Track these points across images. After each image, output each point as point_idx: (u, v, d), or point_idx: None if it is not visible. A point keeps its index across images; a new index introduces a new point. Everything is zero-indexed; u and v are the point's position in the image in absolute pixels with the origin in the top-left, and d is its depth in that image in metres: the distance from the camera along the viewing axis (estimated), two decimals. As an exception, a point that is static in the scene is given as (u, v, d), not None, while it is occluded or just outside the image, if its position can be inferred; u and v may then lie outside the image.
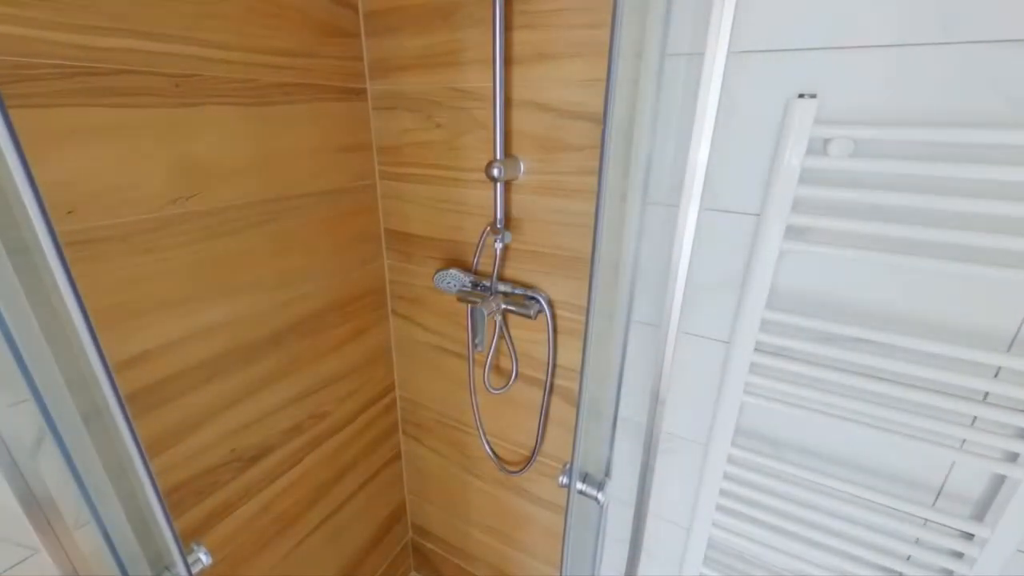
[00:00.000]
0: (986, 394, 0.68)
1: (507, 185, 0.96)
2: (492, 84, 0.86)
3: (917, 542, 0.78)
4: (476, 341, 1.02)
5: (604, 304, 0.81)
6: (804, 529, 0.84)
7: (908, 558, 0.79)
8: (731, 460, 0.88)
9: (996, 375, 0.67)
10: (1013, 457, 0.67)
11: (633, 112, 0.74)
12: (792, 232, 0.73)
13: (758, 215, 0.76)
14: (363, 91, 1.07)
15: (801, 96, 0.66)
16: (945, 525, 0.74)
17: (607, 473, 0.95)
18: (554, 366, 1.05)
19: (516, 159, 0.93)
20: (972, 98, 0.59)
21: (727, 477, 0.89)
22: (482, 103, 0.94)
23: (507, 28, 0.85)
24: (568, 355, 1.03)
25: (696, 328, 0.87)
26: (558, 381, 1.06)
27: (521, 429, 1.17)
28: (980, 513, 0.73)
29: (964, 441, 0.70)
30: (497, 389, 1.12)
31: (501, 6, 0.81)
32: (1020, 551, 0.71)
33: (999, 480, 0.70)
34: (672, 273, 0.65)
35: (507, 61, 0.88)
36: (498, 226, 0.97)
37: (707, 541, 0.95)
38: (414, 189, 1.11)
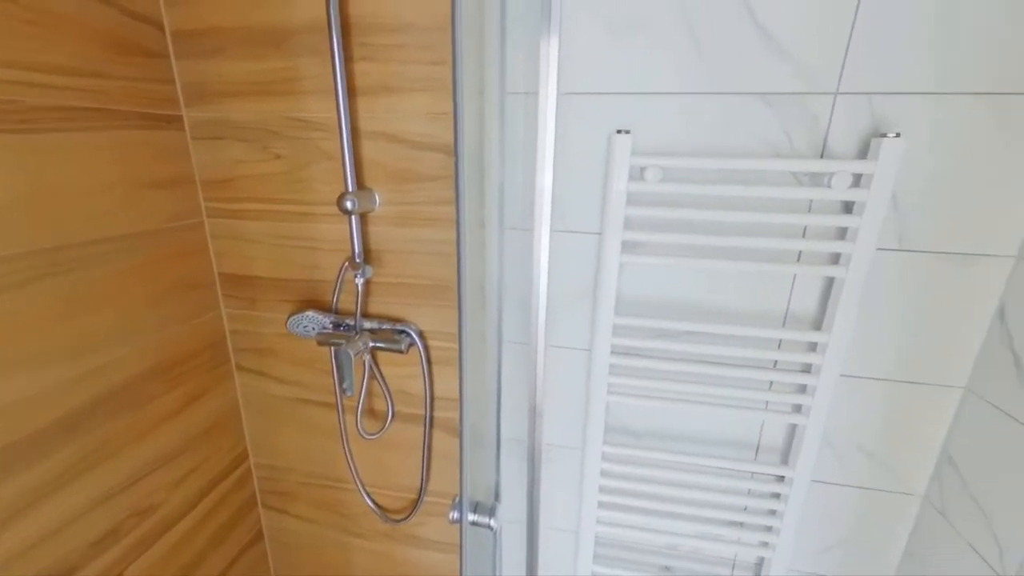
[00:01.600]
0: (775, 362, 0.86)
1: (363, 217, 0.92)
2: (337, 114, 0.83)
3: (749, 493, 0.95)
4: (344, 386, 0.94)
5: (476, 328, 0.82)
6: (670, 505, 0.95)
7: (745, 508, 0.95)
8: (605, 458, 0.96)
9: (779, 346, 0.85)
10: (799, 408, 0.86)
11: (482, 144, 0.78)
12: (627, 246, 0.84)
13: (599, 234, 0.86)
14: (177, 118, 0.93)
15: (619, 132, 0.77)
16: (766, 473, 0.91)
17: (497, 497, 0.95)
18: (432, 398, 1.02)
19: (371, 191, 0.91)
20: (735, 135, 0.77)
21: (604, 474, 0.97)
22: (327, 133, 0.90)
23: (347, 59, 0.83)
24: (445, 385, 1.01)
25: (561, 340, 0.94)
26: (438, 413, 1.03)
27: (404, 472, 1.10)
28: (785, 458, 0.92)
29: (767, 403, 0.88)
30: (373, 434, 1.04)
31: (339, 37, 0.79)
32: (814, 481, 0.91)
33: (792, 429, 0.89)
34: (534, 292, 0.69)
35: (351, 92, 0.85)
36: (357, 260, 0.92)
37: (594, 539, 1.01)
38: (254, 227, 0.99)
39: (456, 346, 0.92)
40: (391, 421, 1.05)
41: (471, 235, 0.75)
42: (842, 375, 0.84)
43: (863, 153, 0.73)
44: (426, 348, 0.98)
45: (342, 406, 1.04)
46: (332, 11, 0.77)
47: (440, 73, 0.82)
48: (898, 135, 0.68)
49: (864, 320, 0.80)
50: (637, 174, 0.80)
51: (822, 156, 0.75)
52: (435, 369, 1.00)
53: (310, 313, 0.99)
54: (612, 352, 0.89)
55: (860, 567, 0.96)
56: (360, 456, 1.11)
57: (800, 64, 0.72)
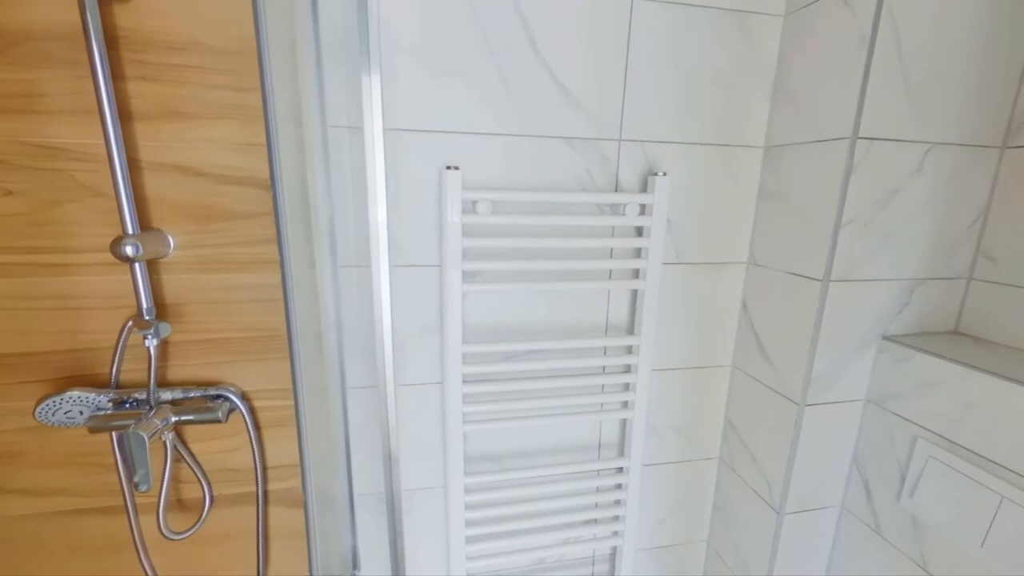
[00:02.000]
0: (604, 367, 0.99)
1: (152, 265, 0.76)
2: (105, 141, 0.67)
3: (598, 490, 1.04)
4: (137, 479, 0.74)
5: (314, 379, 0.74)
6: (534, 521, 0.98)
7: (596, 505, 1.04)
8: (468, 490, 0.94)
9: (605, 352, 0.98)
10: (626, 404, 1.00)
11: (305, 177, 0.73)
12: (467, 276, 0.87)
13: (439, 266, 0.87)
14: None
15: (448, 168, 0.80)
16: (609, 468, 1.02)
17: (355, 565, 0.85)
18: (264, 469, 0.87)
19: (160, 232, 0.75)
20: (550, 172, 0.87)
21: (469, 507, 0.95)
22: (89, 164, 0.72)
23: (117, 77, 0.69)
24: (280, 450, 0.87)
25: (411, 377, 0.91)
26: (274, 485, 0.89)
27: (233, 567, 0.91)
28: (622, 450, 1.04)
29: (602, 404, 0.99)
30: (182, 533, 0.84)
31: (101, 50, 0.65)
32: (645, 465, 1.06)
33: (623, 423, 1.02)
34: (378, 331, 0.66)
35: (124, 116, 0.70)
36: (147, 318, 0.74)
37: (466, 578, 0.98)
38: (-32, 287, 0.72)
39: (291, 403, 0.81)
40: (209, 509, 0.86)
41: (300, 276, 0.68)
42: (653, 369, 1.00)
43: (644, 187, 0.90)
44: (252, 411, 0.84)
45: (134, 506, 0.81)
46: (90, 17, 0.63)
47: (247, 100, 0.74)
48: (665, 174, 0.87)
49: (662, 322, 0.98)
50: (470, 207, 0.84)
51: (616, 190, 0.90)
52: (265, 434, 0.86)
53: (74, 393, 0.76)
54: (464, 381, 0.89)
55: (685, 531, 1.13)
56: (168, 564, 0.87)
57: (592, 115, 0.86)
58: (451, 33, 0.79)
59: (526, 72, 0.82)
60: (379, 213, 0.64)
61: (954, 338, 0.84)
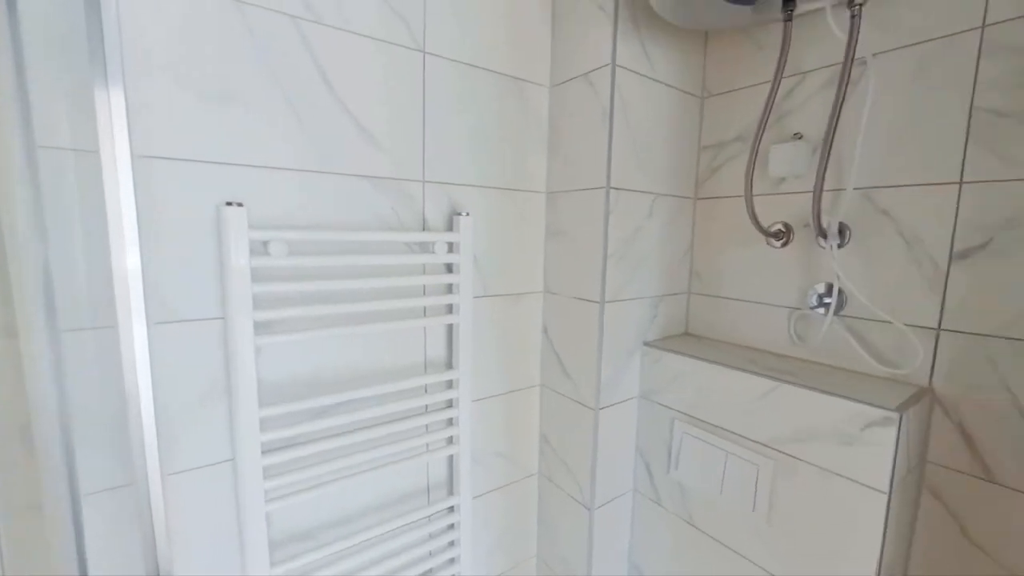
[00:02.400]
0: (426, 406, 0.97)
1: None
2: None
3: (430, 536, 1.00)
4: None
5: (17, 495, 0.52)
6: (361, 594, 0.87)
7: (430, 553, 1.00)
8: (276, 583, 0.79)
9: (426, 390, 0.97)
10: (451, 439, 1.00)
11: (-3, 214, 0.53)
12: (261, 327, 0.75)
13: (223, 318, 0.73)
14: None
15: (229, 204, 0.69)
16: (439, 511, 0.99)
17: None
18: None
19: None
20: (355, 210, 0.84)
21: (278, 604, 0.79)
22: None
23: None
24: (-49, 618, 0.58)
25: (188, 461, 0.73)
26: None
27: None
28: (451, 488, 1.03)
29: (427, 445, 0.97)
30: None
31: None
32: (475, 498, 1.06)
33: (450, 459, 1.02)
34: (133, 409, 0.51)
35: None
36: None
37: None
38: None
39: (-26, 539, 0.56)
40: None
41: (-10, 351, 0.48)
42: (474, 400, 1.03)
43: (450, 226, 0.95)
44: None
45: None
46: None
47: None
48: (468, 214, 0.93)
49: (478, 352, 1.03)
50: (260, 248, 0.74)
51: (424, 229, 0.92)
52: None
53: None
54: (264, 451, 0.76)
55: (516, 552, 1.18)
56: None
57: (395, 156, 0.87)
58: (225, 57, 0.70)
59: (321, 108, 0.79)
60: (129, 259, 0.51)
61: (686, 338, 1.11)
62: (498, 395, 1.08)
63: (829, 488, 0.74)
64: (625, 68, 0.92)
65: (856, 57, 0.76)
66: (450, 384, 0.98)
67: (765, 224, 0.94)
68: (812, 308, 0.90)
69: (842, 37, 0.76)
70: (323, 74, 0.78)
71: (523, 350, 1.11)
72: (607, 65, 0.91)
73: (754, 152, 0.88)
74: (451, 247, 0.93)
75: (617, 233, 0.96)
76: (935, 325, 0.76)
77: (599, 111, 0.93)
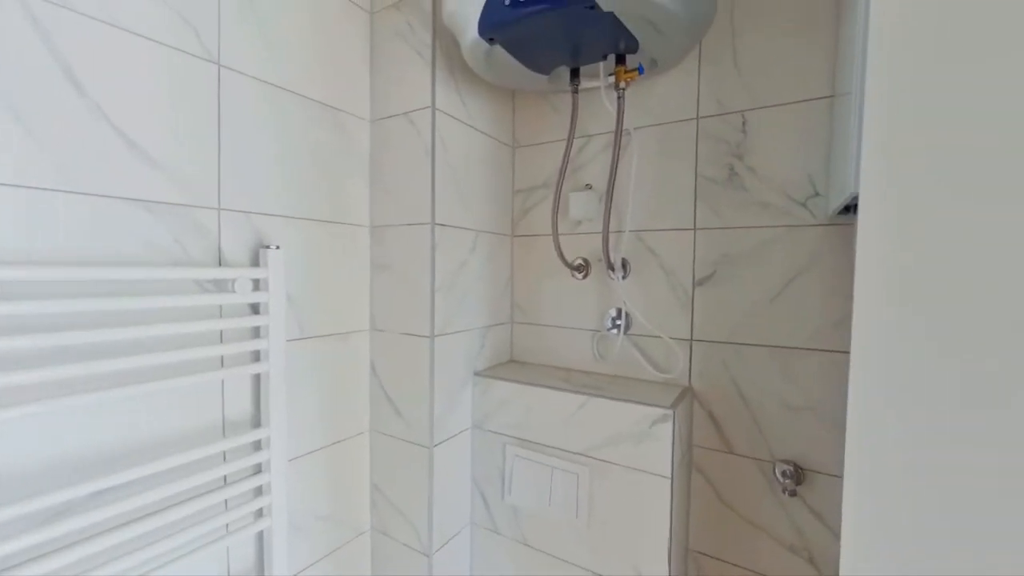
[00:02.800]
0: (225, 477, 0.80)
1: None
2: None
3: (233, 641, 0.81)
4: None
5: None
6: None
7: (233, 663, 0.80)
8: None
9: (225, 458, 0.80)
10: (261, 512, 0.84)
11: None
12: (-53, 406, 0.52)
13: None
14: None
15: None
16: (245, 605, 0.81)
17: None
18: None
19: None
20: (117, 241, 0.66)
21: None
22: None
23: None
24: None
25: None
26: None
27: None
28: (261, 571, 0.86)
29: (227, 525, 0.80)
30: None
31: None
32: (292, 576, 0.91)
33: (260, 536, 0.85)
34: None
35: None
36: None
37: None
38: None
39: None
40: None
41: None
42: (290, 460, 0.90)
43: (256, 261, 0.83)
44: None
45: None
46: None
47: None
48: (278, 247, 0.83)
49: (293, 403, 0.90)
50: (-53, 292, 0.52)
51: (220, 264, 0.79)
52: None
53: None
54: (-56, 592, 0.51)
55: (348, 625, 1.04)
56: None
57: (178, 178, 0.73)
58: None
59: (65, 112, 0.61)
60: None
61: (512, 365, 1.19)
62: (320, 449, 0.96)
63: (630, 483, 0.87)
64: (445, 112, 0.97)
65: (624, 128, 0.97)
66: (258, 445, 0.84)
67: (569, 259, 1.09)
68: (608, 329, 1.07)
69: (613, 112, 0.95)
70: (68, 71, 0.62)
71: (349, 394, 1.02)
72: (428, 108, 0.95)
73: (557, 198, 1.02)
74: (257, 284, 0.82)
75: (444, 267, 0.98)
76: (689, 337, 0.99)
77: (422, 150, 0.96)
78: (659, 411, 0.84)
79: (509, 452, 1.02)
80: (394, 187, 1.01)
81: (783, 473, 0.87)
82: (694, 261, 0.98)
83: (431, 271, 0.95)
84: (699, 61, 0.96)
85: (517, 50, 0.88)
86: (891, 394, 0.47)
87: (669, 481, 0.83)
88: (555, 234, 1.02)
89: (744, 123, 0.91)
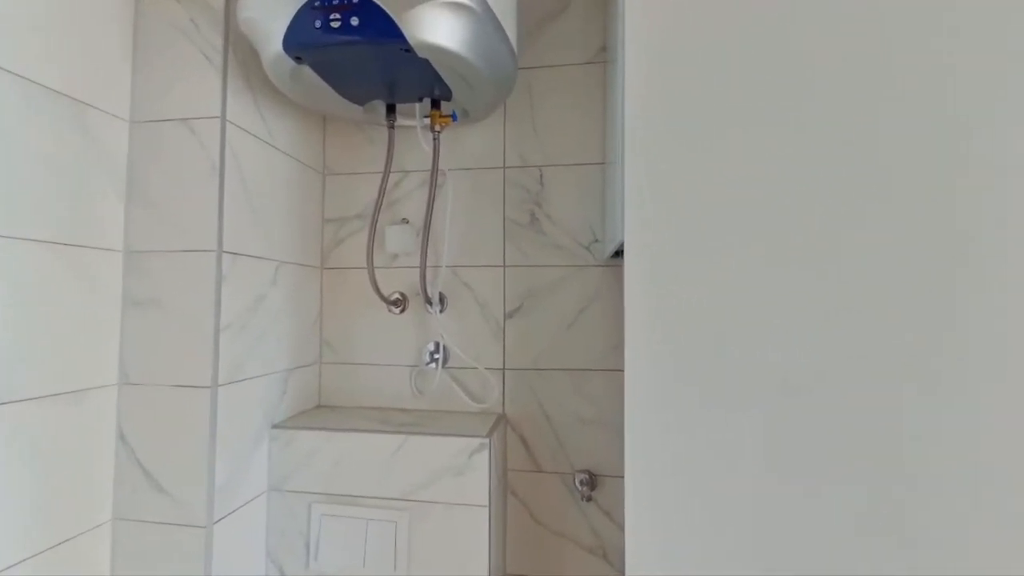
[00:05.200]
0: None
1: None
2: None
3: None
4: None
5: None
6: None
7: None
8: None
9: None
10: None
11: None
12: None
13: None
14: None
15: None
16: None
17: None
18: None
19: None
20: None
21: None
22: None
23: None
24: None
25: None
26: None
27: None
28: None
29: None
30: None
31: None
32: None
33: None
34: None
35: None
36: None
37: None
38: None
39: None
40: None
41: None
42: (-42, 589, 0.60)
43: (-92, 295, 0.56)
44: None
45: None
46: None
47: None
48: (-42, 275, 0.58)
49: (-27, 502, 0.62)
50: None
51: None
52: None
53: None
54: None
55: None
56: None
57: None
58: None
59: None
60: None
61: (320, 411, 1.07)
62: (29, 558, 0.68)
63: (451, 519, 0.86)
64: (239, 127, 0.86)
65: (440, 168, 1.01)
66: None
67: (386, 293, 1.06)
68: (427, 364, 1.06)
69: (429, 152, 0.99)
70: None
71: (79, 477, 0.76)
72: (216, 118, 0.82)
73: (372, 230, 0.98)
74: (-91, 330, 0.55)
75: (234, 303, 0.84)
76: (501, 366, 1.05)
77: (207, 165, 0.82)
78: (477, 441, 0.87)
79: (316, 512, 0.89)
80: (164, 205, 0.82)
81: (581, 481, 0.99)
82: (504, 295, 1.06)
83: (215, 307, 0.80)
84: (504, 118, 1.08)
85: (329, 75, 0.84)
86: (655, 404, 0.58)
87: (487, 509, 0.85)
88: (371, 267, 0.98)
89: (541, 176, 1.06)
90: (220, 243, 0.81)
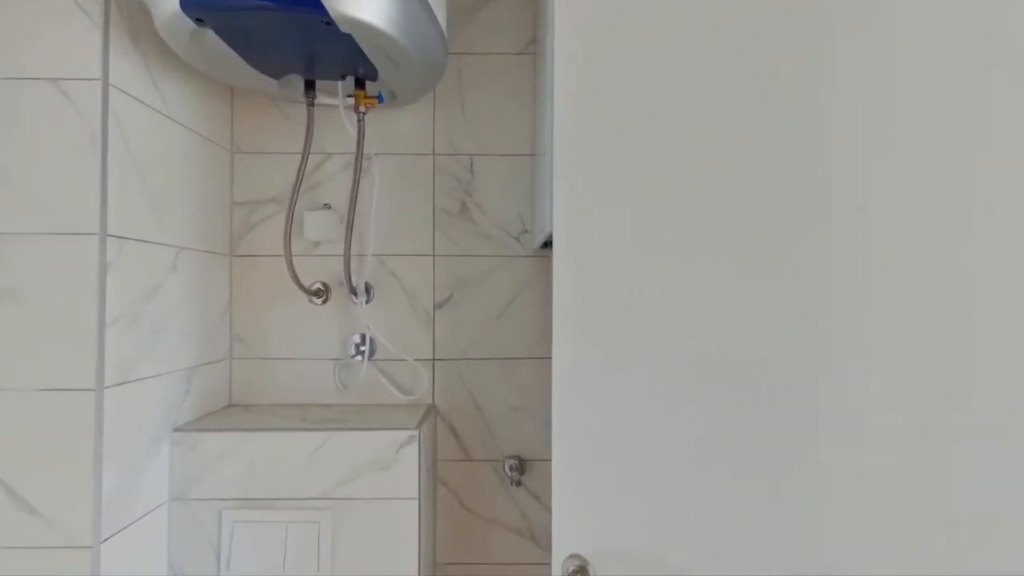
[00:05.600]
0: None
1: None
2: None
3: None
4: None
5: None
6: None
7: None
8: None
9: None
10: None
11: None
12: None
13: None
14: None
15: None
16: None
17: None
18: None
19: None
20: None
21: None
22: None
23: None
24: None
25: None
26: None
27: None
28: None
29: None
30: None
31: None
32: None
33: None
34: None
35: None
36: None
37: None
38: None
39: None
40: None
41: None
42: None
43: None
44: None
45: None
46: None
47: None
48: None
49: None
50: None
51: None
52: None
53: None
54: None
55: None
56: None
57: None
58: None
59: None
60: None
61: (230, 411, 0.98)
62: None
63: (378, 514, 0.84)
64: (125, 92, 0.75)
65: (365, 153, 0.96)
66: None
67: (306, 283, 0.99)
68: (352, 356, 1.02)
69: (353, 134, 0.94)
70: None
71: (-84, 500, 0.63)
72: (96, 80, 0.71)
73: (290, 216, 0.91)
74: None
75: (123, 294, 0.74)
76: (431, 357, 1.04)
77: (85, 134, 0.70)
78: (405, 433, 0.85)
79: (227, 519, 0.83)
80: (24, 181, 0.70)
81: (510, 467, 1.01)
82: (434, 284, 1.04)
83: (98, 298, 0.70)
84: (434, 104, 1.05)
85: (237, 43, 0.76)
86: (579, 390, 0.61)
87: (417, 502, 0.84)
88: (288, 255, 0.91)
89: (472, 164, 1.05)
90: (104, 225, 0.71)
